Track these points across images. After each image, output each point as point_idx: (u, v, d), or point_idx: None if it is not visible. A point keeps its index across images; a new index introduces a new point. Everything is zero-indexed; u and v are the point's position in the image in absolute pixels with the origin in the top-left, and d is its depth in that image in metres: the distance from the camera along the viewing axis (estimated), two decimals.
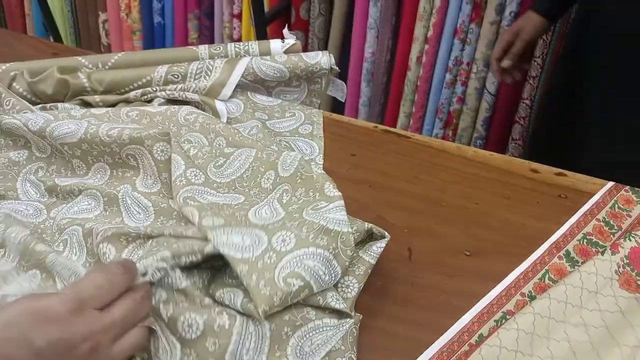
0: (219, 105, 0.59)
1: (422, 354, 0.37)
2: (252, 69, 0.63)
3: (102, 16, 1.69)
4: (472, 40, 1.19)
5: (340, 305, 0.37)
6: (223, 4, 1.47)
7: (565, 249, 0.46)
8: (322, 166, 0.52)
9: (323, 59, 0.64)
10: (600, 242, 0.47)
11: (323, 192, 0.42)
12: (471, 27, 1.18)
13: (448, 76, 1.26)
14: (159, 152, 0.47)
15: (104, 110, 0.55)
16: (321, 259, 0.36)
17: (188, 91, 0.61)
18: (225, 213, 0.41)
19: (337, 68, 0.66)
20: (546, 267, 0.44)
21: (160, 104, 0.59)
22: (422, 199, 0.49)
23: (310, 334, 0.36)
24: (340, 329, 0.36)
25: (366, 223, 0.41)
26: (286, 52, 0.67)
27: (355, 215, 0.42)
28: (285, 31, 0.70)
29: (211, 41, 1.56)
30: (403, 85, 1.32)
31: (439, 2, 1.18)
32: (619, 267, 0.44)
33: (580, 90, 0.74)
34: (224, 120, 0.58)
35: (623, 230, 0.48)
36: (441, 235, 0.45)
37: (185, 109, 0.54)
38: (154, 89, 0.61)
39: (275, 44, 0.68)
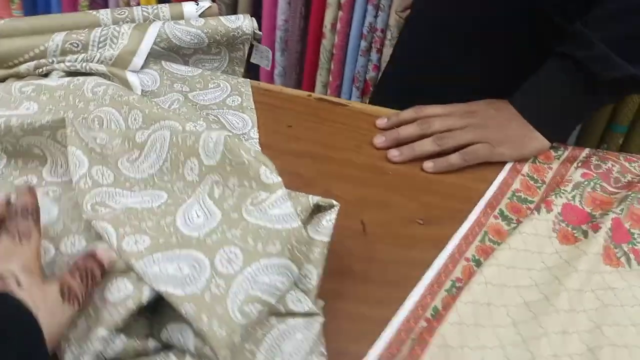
0: (131, 77, 0.52)
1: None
2: (165, 35, 0.56)
3: None
4: (385, 6, 1.18)
5: (305, 307, 0.32)
6: None
7: (498, 207, 0.46)
8: (257, 140, 0.48)
9: (245, 23, 0.59)
10: (529, 198, 0.48)
11: (259, 179, 0.36)
12: None
13: (363, 43, 1.25)
14: (64, 138, 0.39)
15: None
16: (277, 269, 0.32)
17: (92, 62, 0.53)
18: (148, 225, 0.34)
19: (260, 32, 0.61)
20: (484, 229, 0.44)
21: (59, 77, 0.51)
22: (367, 169, 0.47)
23: (278, 343, 0.31)
24: (311, 330, 0.32)
25: (310, 197, 0.36)
26: (201, 15, 0.61)
27: (301, 192, 0.39)
28: None
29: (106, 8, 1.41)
30: (319, 54, 1.29)
31: None
32: (554, 224, 0.45)
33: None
34: (138, 93, 0.51)
35: (547, 184, 0.49)
36: (392, 205, 0.43)
37: (92, 80, 0.47)
38: (50, 61, 0.53)
39: (188, 7, 0.61)
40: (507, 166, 0.49)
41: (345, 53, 1.27)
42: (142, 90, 0.52)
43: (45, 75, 0.53)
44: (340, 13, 1.21)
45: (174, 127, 0.41)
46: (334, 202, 0.36)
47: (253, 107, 0.53)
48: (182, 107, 0.51)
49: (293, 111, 0.53)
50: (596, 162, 0.51)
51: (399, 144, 0.48)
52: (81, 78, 0.47)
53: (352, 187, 0.44)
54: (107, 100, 0.44)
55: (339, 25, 1.23)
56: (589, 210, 0.46)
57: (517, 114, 0.50)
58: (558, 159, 0.51)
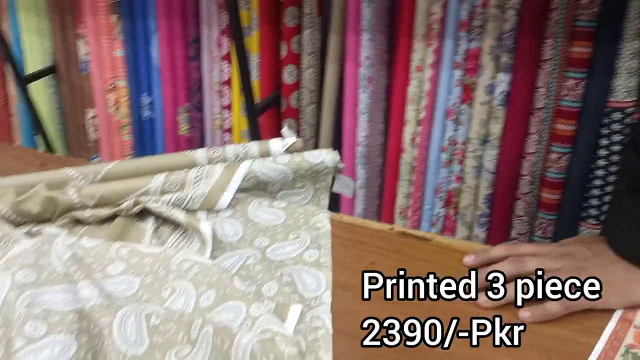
0: (204, 228, 0.53)
1: None
2: (253, 173, 0.60)
3: (91, 112, 1.69)
4: (465, 120, 1.19)
5: None
6: (213, 97, 1.48)
7: None
8: (329, 306, 0.45)
9: (327, 158, 0.62)
10: None
11: None
12: (462, 108, 1.18)
13: (444, 156, 1.25)
14: None
15: (93, 242, 0.50)
16: None
17: (184, 201, 0.57)
18: None
19: (343, 165, 0.63)
20: None
21: (152, 225, 0.55)
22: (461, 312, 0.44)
23: None
24: None
25: None
26: (287, 151, 0.65)
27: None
28: (285, 129, 0.68)
29: (202, 132, 1.55)
30: (399, 166, 1.31)
31: (428, 85, 1.20)
32: None
33: None
34: (209, 249, 0.52)
35: None
36: None
37: (182, 255, 0.49)
38: (148, 199, 0.58)
39: (274, 145, 0.65)
40: (616, 315, 0.44)
41: (426, 165, 1.27)
42: (222, 241, 0.54)
43: (139, 213, 0.57)
44: (420, 128, 1.24)
45: (221, 321, 0.42)
46: None
47: (330, 264, 0.51)
48: (256, 265, 0.51)
49: (375, 247, 0.52)
50: None
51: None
52: (172, 251, 0.49)
53: None
54: (189, 275, 0.46)
55: (418, 140, 1.25)
56: None
57: (616, 257, 0.45)
58: None
